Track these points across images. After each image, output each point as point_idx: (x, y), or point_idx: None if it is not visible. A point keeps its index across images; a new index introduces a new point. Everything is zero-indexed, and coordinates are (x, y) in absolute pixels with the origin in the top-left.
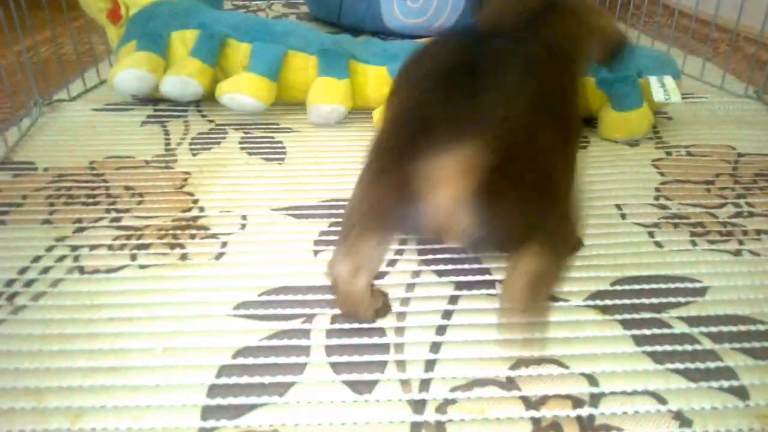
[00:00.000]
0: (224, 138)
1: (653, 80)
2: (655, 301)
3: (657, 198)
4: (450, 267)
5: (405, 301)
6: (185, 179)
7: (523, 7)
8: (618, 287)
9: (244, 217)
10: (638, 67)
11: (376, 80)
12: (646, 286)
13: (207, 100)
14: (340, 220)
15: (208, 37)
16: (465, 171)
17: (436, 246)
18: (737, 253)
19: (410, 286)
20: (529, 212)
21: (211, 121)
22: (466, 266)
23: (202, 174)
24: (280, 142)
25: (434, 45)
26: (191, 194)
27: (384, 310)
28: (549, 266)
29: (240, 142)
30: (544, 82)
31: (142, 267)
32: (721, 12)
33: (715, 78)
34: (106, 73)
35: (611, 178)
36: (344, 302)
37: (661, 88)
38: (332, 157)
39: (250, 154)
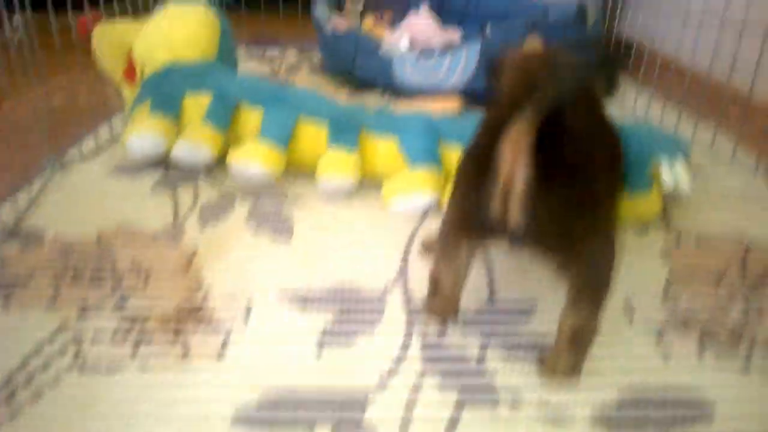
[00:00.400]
0: (232, 209)
1: (664, 165)
2: (660, 415)
3: (666, 294)
4: (454, 381)
5: (408, 411)
6: (192, 256)
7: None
8: (626, 397)
9: (248, 305)
10: (649, 150)
11: (386, 152)
12: (653, 397)
13: (218, 163)
14: (346, 308)
15: (221, 102)
16: (521, 148)
17: (442, 354)
18: (745, 368)
19: (411, 400)
20: (575, 218)
21: (220, 187)
22: (471, 381)
23: (209, 251)
24: (288, 215)
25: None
26: (197, 275)
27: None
28: (588, 321)
29: (247, 215)
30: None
31: (142, 368)
32: (733, 79)
33: (726, 148)
34: (118, 127)
35: (620, 270)
36: (441, 306)
37: (672, 175)
38: (339, 233)
39: (258, 227)
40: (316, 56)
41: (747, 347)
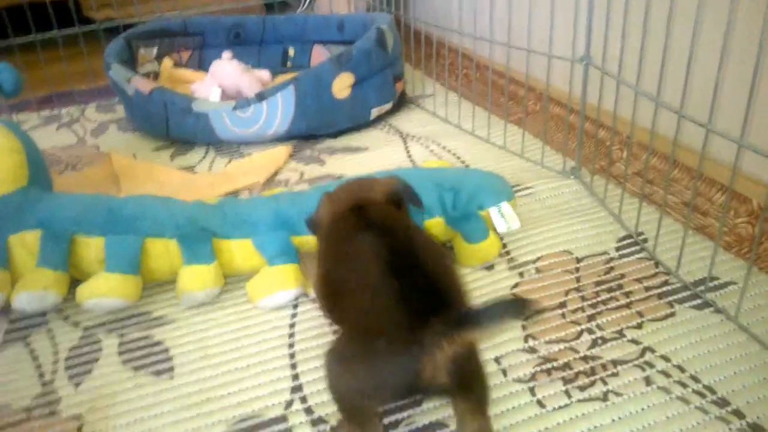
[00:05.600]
0: (100, 350)
1: (493, 212)
2: None
3: (526, 340)
4: None
5: None
6: (80, 429)
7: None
8: None
9: None
10: (478, 202)
11: (242, 253)
12: None
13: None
14: None
15: (52, 240)
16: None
17: None
18: (605, 398)
19: None
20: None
21: (76, 324)
22: None
23: (95, 415)
24: (161, 342)
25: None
26: None
27: None
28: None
29: (119, 354)
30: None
31: None
32: (530, 72)
33: (535, 150)
34: None
35: None
36: None
37: (502, 219)
38: (221, 351)
39: (135, 369)
40: (121, 111)
41: (602, 380)
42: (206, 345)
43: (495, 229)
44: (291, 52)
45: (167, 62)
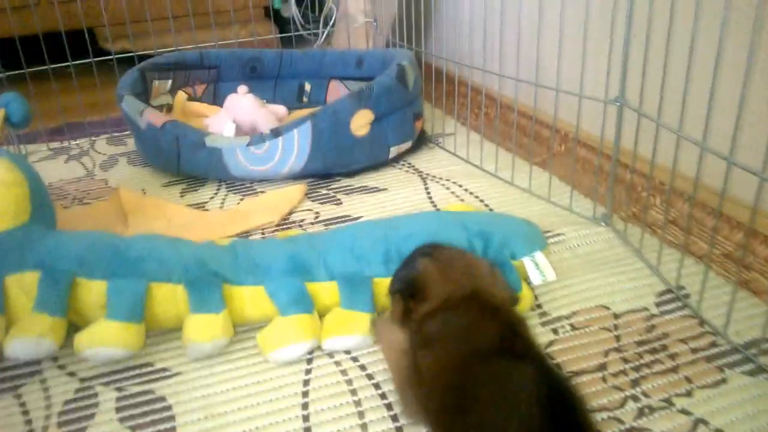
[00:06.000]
0: (96, 406)
1: (527, 263)
2: None
3: None
4: None
5: None
6: None
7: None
8: None
9: None
10: (510, 250)
11: (253, 300)
12: None
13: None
14: None
15: (52, 283)
16: None
17: None
18: None
19: None
20: None
21: (72, 374)
22: None
23: None
24: (163, 398)
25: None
26: None
27: None
28: None
29: (117, 411)
30: None
31: None
32: (557, 113)
33: (563, 193)
34: None
35: None
36: None
37: (536, 269)
38: (228, 410)
39: (133, 429)
40: (132, 144)
41: None
42: (211, 403)
43: (527, 280)
44: (307, 87)
45: (181, 95)
